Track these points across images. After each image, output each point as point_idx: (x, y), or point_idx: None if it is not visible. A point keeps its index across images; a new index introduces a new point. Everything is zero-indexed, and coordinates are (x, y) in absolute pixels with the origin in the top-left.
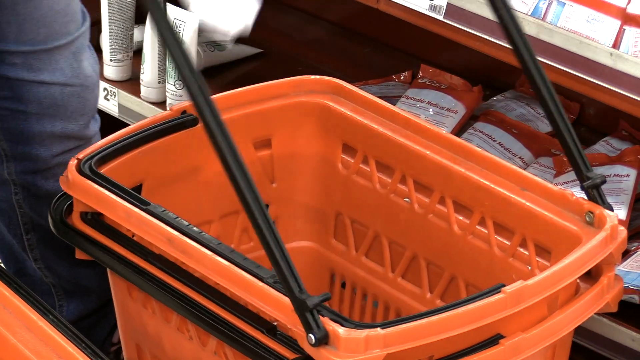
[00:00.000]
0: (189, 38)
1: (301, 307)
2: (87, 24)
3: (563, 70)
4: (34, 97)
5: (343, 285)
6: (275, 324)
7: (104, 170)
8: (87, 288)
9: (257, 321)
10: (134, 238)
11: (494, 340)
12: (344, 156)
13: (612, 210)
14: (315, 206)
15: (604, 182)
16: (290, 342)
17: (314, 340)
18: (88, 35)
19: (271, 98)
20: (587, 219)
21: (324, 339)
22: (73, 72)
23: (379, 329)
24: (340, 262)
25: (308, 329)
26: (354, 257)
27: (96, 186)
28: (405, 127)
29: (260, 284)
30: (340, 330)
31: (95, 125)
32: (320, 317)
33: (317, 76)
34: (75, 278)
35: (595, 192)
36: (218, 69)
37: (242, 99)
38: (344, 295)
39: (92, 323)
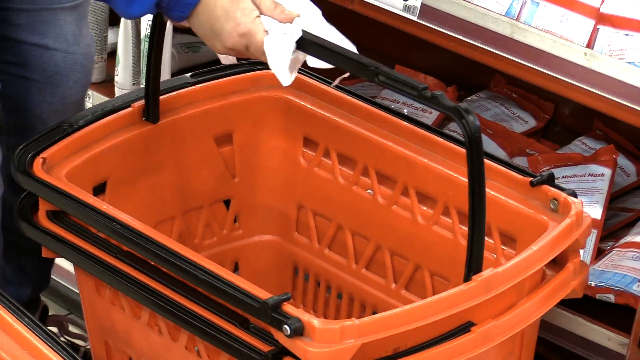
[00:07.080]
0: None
1: (265, 312)
2: None
3: (537, 70)
4: (38, 63)
5: (306, 278)
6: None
7: (69, 168)
8: (25, 278)
9: (230, 314)
10: (101, 235)
11: (465, 328)
12: (305, 150)
13: (575, 196)
14: (277, 200)
15: (551, 175)
16: (264, 335)
17: (289, 331)
18: (89, 4)
19: (231, 93)
20: (552, 206)
21: (299, 330)
22: (75, 39)
23: (354, 318)
24: (304, 255)
25: (278, 325)
26: (317, 249)
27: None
28: (366, 119)
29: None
30: (315, 321)
31: None
32: (295, 308)
33: None
34: (15, 266)
35: (550, 185)
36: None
37: (202, 94)
38: (308, 289)
39: None
